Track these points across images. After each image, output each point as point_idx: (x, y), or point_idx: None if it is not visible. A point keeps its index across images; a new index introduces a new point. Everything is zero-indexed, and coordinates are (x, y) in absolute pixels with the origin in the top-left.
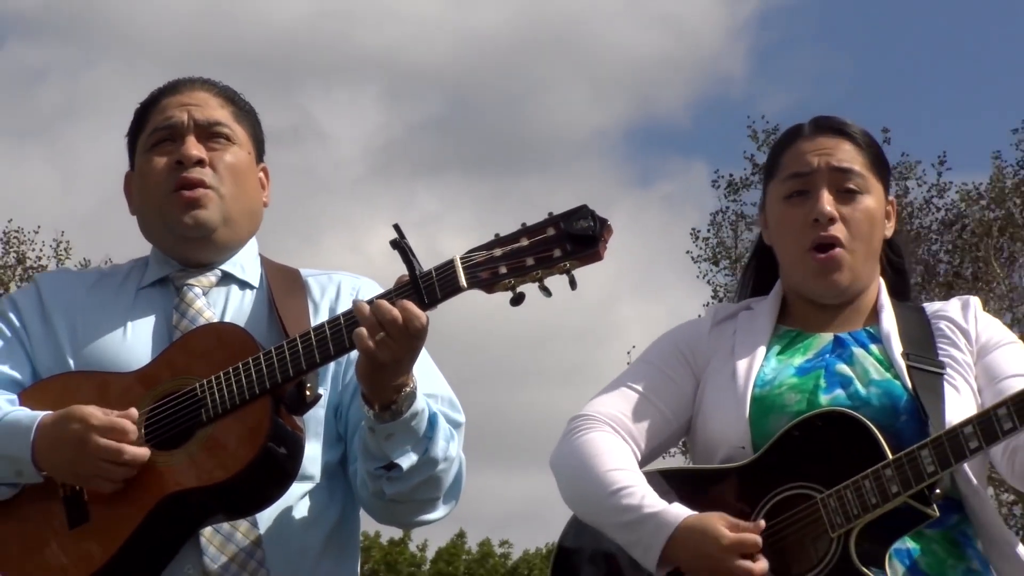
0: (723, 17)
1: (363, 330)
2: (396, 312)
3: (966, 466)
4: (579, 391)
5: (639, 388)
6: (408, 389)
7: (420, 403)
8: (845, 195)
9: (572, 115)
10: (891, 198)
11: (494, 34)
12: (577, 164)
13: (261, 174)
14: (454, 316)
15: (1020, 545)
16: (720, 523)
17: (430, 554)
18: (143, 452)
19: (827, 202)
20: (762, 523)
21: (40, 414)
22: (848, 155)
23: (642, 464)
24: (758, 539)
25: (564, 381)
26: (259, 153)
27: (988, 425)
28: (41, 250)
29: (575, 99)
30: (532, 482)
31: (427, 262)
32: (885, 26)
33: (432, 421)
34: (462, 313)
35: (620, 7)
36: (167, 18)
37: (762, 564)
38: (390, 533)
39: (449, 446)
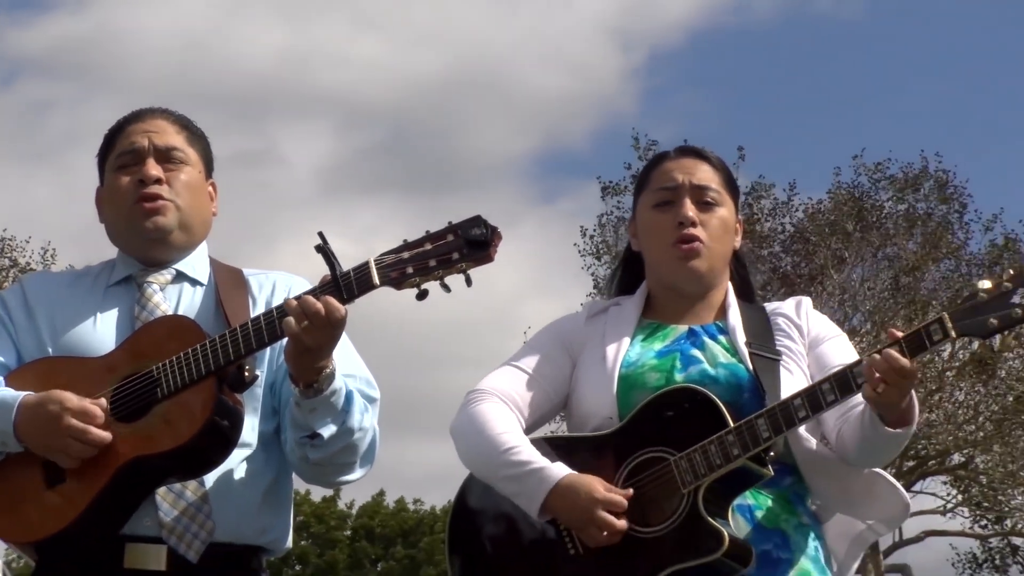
0: (619, 63)
1: (291, 319)
2: (319, 305)
3: (802, 430)
4: (489, 373)
5: (525, 368)
6: (328, 371)
7: (338, 382)
8: (704, 206)
9: (491, 144)
10: (740, 217)
11: (430, 76)
12: (494, 186)
13: (210, 188)
14: (385, 308)
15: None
16: (597, 483)
17: (355, 510)
18: (105, 436)
19: (689, 209)
20: (631, 491)
21: (22, 394)
22: (707, 175)
23: (526, 432)
24: (624, 502)
25: (477, 364)
26: (208, 171)
27: (814, 398)
28: (31, 256)
29: (494, 131)
30: (448, 449)
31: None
32: (747, 73)
33: (349, 397)
34: (394, 305)
35: (534, 54)
36: (157, 60)
37: (623, 523)
38: (321, 492)
39: (364, 418)
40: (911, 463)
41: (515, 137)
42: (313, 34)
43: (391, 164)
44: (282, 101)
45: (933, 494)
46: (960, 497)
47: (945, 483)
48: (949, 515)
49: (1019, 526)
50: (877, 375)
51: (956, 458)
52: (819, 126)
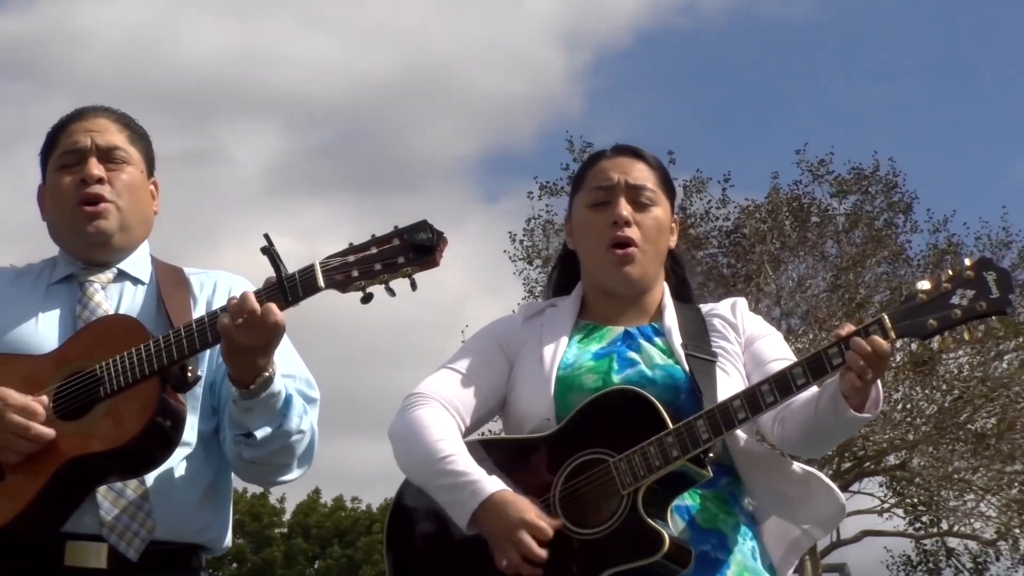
0: (566, 64)
1: (225, 316)
2: (255, 305)
3: (739, 432)
4: (427, 375)
5: (463, 371)
6: (267, 375)
7: (278, 386)
8: (639, 206)
9: (438, 145)
10: (676, 216)
11: (379, 76)
12: (440, 186)
13: (152, 187)
14: (332, 308)
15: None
16: (528, 506)
17: (289, 506)
18: (48, 432)
19: (624, 208)
20: (560, 523)
21: None
22: (642, 174)
23: (466, 434)
24: (550, 532)
25: (422, 364)
26: (150, 169)
27: (753, 399)
28: None
29: (441, 132)
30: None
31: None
32: (695, 74)
33: (288, 401)
34: (339, 305)
35: (483, 55)
36: (104, 60)
37: (542, 553)
38: (254, 488)
39: (302, 421)
40: (848, 464)
41: (462, 138)
42: (262, 34)
43: (338, 164)
44: (230, 100)
45: (870, 494)
46: (896, 499)
47: (882, 485)
48: (886, 516)
49: (956, 527)
50: (861, 362)
51: (892, 459)
52: (766, 129)
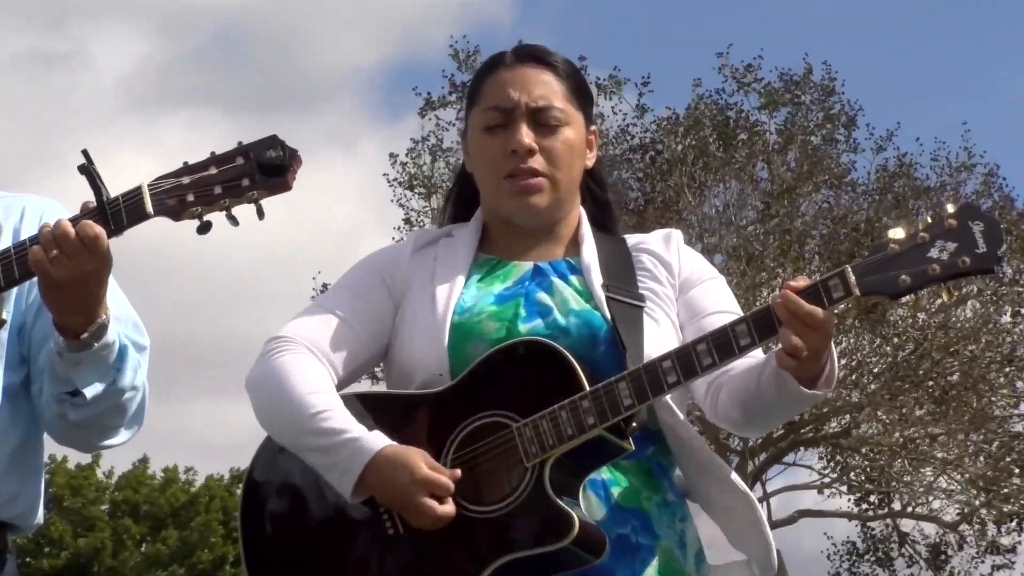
0: None
1: (37, 247)
2: (69, 228)
3: (668, 398)
4: (295, 315)
5: (337, 311)
6: (100, 321)
7: (111, 335)
8: (544, 128)
9: (336, 57)
10: (593, 128)
11: None
12: (335, 103)
13: None
14: (195, 239)
15: (732, 471)
16: (419, 458)
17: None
18: None
19: (525, 135)
20: (458, 473)
21: None
22: (548, 90)
23: (339, 387)
24: (450, 484)
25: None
26: None
27: (687, 360)
28: None
29: (342, 41)
30: None
31: None
32: None
33: (122, 352)
34: (197, 236)
35: None
36: None
37: (448, 508)
38: (78, 458)
39: (136, 375)
40: (781, 431)
41: (364, 47)
42: None
43: (215, 75)
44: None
45: (808, 467)
46: (838, 474)
47: (822, 457)
48: (827, 493)
49: (910, 508)
50: (792, 338)
51: (835, 425)
52: (704, 39)
